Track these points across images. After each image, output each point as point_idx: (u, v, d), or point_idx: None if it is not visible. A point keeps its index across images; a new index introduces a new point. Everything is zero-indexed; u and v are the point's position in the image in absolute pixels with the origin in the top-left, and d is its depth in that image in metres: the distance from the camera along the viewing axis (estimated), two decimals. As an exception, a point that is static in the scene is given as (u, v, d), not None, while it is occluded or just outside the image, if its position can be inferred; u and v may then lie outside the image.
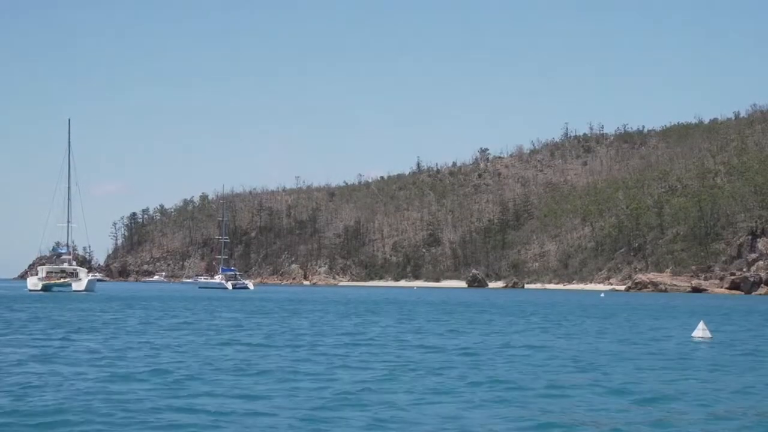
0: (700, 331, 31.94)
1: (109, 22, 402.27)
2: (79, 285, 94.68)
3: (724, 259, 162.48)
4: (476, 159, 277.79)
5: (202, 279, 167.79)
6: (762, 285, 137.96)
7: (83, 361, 20.63)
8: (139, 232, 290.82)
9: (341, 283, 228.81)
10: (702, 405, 14.90)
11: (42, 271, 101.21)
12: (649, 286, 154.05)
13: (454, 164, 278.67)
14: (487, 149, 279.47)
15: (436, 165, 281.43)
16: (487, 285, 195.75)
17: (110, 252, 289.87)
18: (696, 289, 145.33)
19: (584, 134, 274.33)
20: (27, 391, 15.34)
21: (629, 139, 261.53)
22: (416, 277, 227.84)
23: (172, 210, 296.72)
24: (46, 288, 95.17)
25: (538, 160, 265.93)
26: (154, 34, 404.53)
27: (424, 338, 29.37)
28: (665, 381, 18.01)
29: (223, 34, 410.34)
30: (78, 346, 24.55)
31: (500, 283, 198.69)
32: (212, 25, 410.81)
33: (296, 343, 26.40)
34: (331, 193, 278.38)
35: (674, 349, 26.53)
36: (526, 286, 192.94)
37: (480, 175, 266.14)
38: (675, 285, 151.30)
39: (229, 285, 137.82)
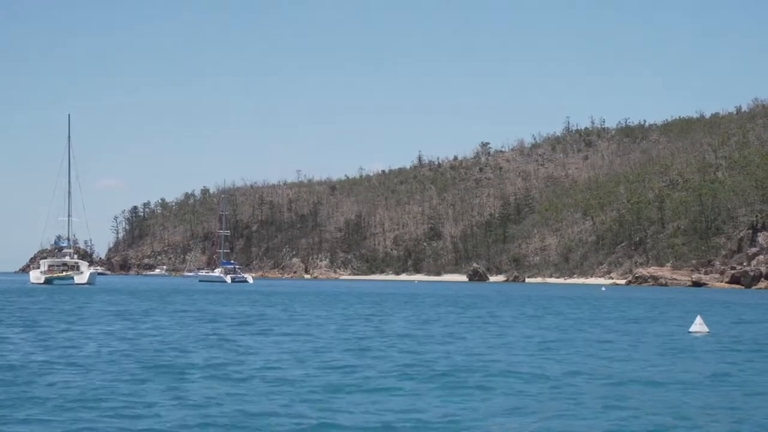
0: (698, 326, 32.15)
1: (108, 18, 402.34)
2: (80, 278, 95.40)
3: (724, 253, 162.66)
4: (477, 153, 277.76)
5: (202, 272, 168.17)
6: (762, 279, 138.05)
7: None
8: (140, 225, 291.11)
9: (342, 277, 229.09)
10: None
11: (44, 264, 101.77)
12: (649, 280, 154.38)
13: (456, 158, 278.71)
14: (488, 143, 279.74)
15: (438, 159, 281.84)
16: (488, 279, 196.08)
17: (111, 246, 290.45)
18: (696, 284, 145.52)
19: (585, 128, 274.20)
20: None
21: (630, 133, 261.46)
22: (417, 271, 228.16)
23: (173, 204, 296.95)
24: (48, 281, 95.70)
25: (540, 154, 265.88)
26: (153, 30, 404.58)
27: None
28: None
29: (222, 28, 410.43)
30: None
31: (501, 277, 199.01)
32: (211, 19, 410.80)
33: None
34: (332, 186, 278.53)
35: (669, 343, 26.77)
36: (527, 280, 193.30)
37: (481, 169, 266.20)
38: (675, 279, 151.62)
39: (228, 278, 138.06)
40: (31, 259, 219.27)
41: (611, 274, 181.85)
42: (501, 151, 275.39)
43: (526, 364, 19.77)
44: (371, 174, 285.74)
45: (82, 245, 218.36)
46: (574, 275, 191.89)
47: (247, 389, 15.48)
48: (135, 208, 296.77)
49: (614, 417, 13.23)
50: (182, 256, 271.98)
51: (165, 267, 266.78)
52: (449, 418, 12.88)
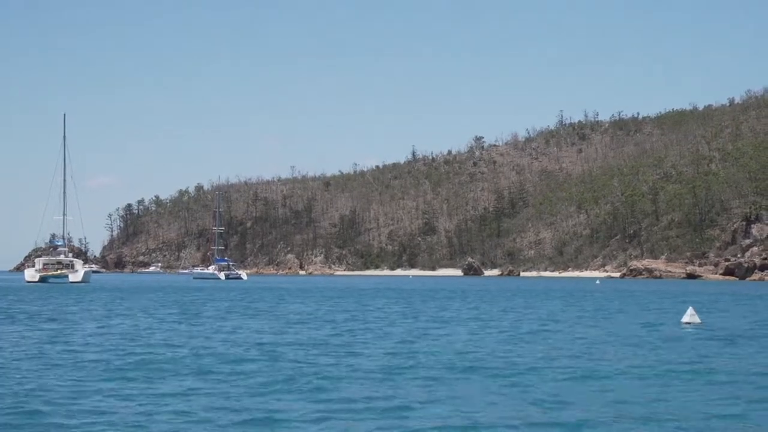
0: (689, 317, 32.26)
1: (104, 17, 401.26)
2: (75, 276, 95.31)
3: (718, 245, 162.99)
4: (471, 147, 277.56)
5: (197, 270, 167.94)
6: (756, 271, 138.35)
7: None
8: (134, 223, 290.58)
9: (337, 273, 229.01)
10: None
11: (39, 263, 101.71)
12: (644, 272, 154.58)
13: (450, 152, 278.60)
14: (482, 137, 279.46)
15: (432, 153, 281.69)
16: (483, 273, 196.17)
17: (106, 243, 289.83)
18: (691, 276, 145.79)
19: (579, 121, 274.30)
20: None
21: (624, 126, 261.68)
22: (412, 266, 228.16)
23: (168, 201, 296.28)
24: (43, 279, 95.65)
25: (533, 148, 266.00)
26: (148, 28, 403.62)
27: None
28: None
29: (216, 25, 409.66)
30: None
31: (496, 271, 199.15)
32: (206, 17, 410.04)
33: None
34: (326, 182, 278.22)
35: (659, 334, 26.87)
36: (522, 273, 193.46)
37: (475, 164, 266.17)
38: (670, 271, 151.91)
39: (222, 275, 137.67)
40: (26, 257, 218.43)
41: (606, 267, 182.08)
42: (495, 145, 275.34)
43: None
44: (365, 169, 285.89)
45: (76, 243, 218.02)
46: (569, 268, 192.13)
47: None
48: (129, 205, 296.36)
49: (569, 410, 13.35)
50: (177, 254, 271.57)
51: (160, 264, 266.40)
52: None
